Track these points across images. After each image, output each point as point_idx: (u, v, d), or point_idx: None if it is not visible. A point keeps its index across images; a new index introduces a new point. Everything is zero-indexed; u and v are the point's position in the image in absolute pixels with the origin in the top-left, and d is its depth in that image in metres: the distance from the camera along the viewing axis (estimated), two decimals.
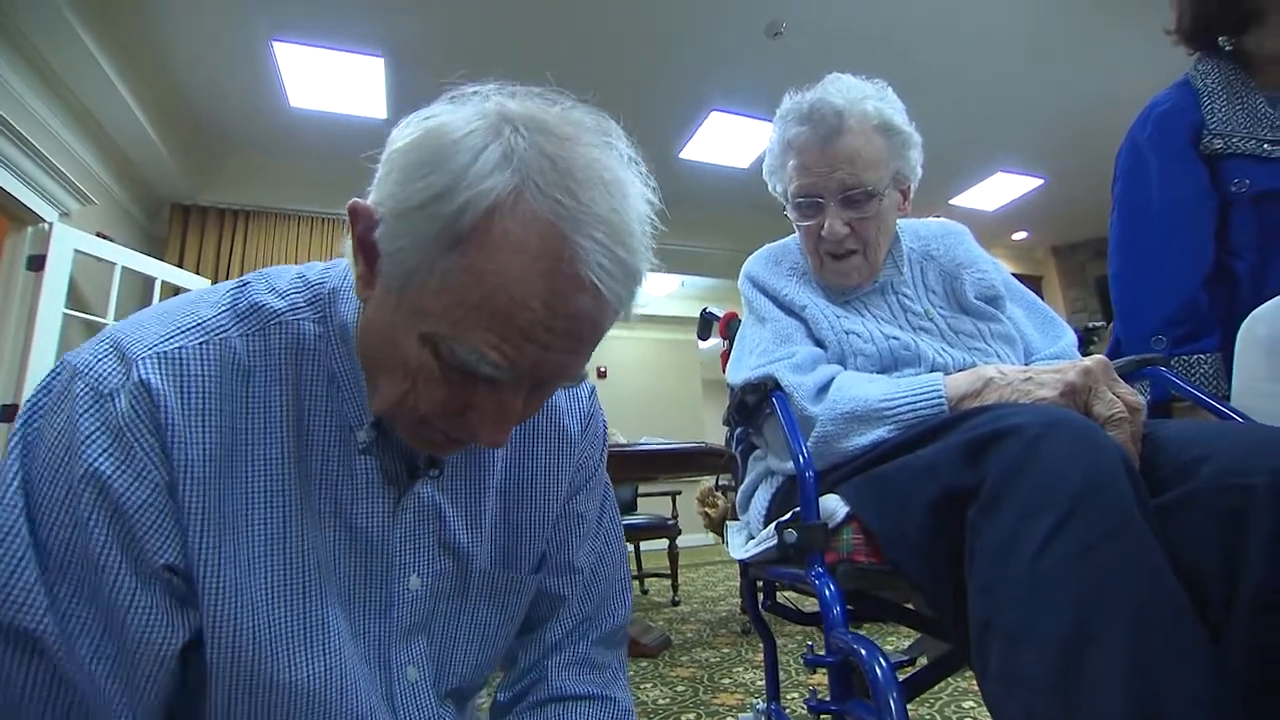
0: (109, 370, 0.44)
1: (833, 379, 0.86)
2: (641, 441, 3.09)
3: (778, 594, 1.08)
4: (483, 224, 0.40)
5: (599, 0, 3.25)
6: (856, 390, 0.82)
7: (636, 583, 4.00)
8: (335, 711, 0.50)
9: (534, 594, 0.65)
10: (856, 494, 0.75)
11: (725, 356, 1.21)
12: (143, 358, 0.45)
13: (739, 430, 1.09)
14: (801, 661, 0.79)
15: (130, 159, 3.79)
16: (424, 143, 0.43)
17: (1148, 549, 0.49)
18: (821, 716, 0.75)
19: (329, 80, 3.69)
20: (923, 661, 1.08)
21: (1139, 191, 1.12)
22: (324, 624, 0.50)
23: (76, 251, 3.20)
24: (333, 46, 3.42)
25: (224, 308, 0.50)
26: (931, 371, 0.87)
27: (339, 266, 0.55)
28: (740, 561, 1.01)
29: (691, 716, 1.66)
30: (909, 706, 0.63)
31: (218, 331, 0.48)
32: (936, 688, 1.55)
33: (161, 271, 3.78)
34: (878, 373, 0.90)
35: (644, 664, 2.23)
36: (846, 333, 0.95)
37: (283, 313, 0.51)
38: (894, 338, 0.93)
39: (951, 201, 5.61)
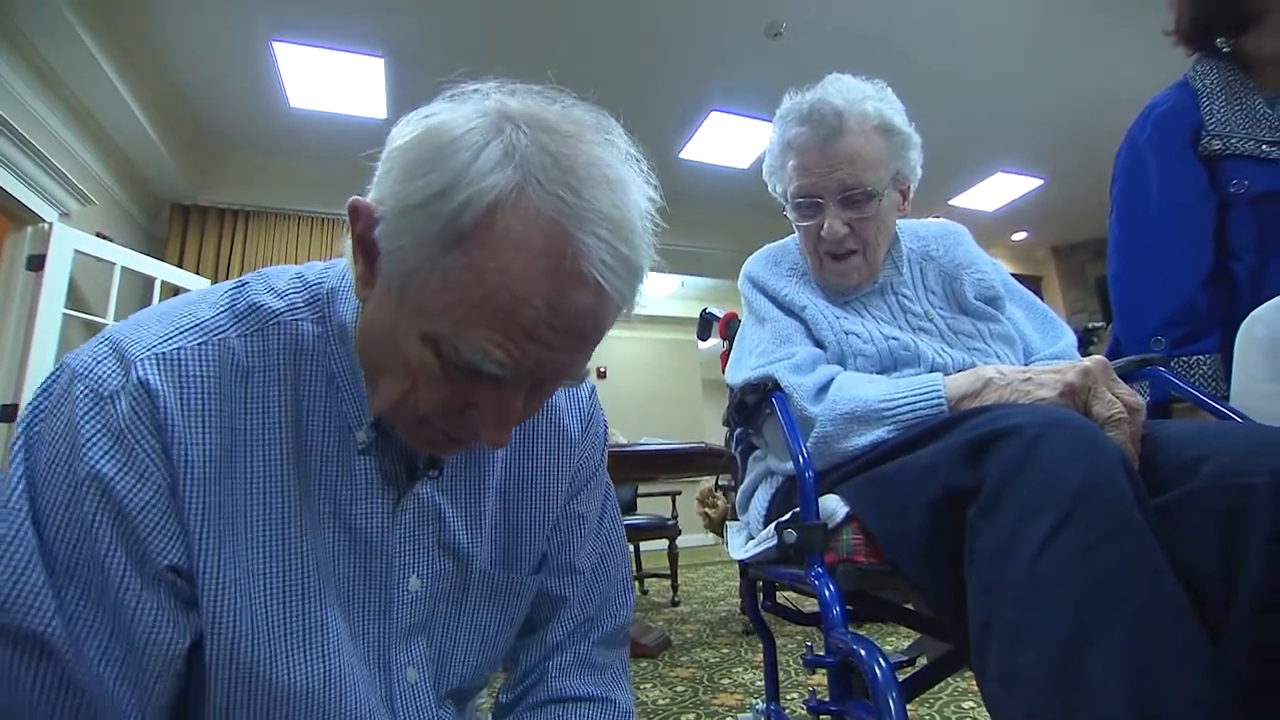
0: (108, 372, 0.44)
1: (832, 379, 0.87)
2: (641, 441, 3.09)
3: (777, 594, 1.08)
4: (485, 221, 0.40)
5: (599, 0, 3.25)
6: (856, 391, 0.82)
7: (636, 583, 4.00)
8: (334, 713, 0.50)
9: (535, 595, 0.65)
10: (856, 494, 0.75)
11: (725, 357, 1.21)
12: (141, 359, 0.45)
13: (739, 430, 1.09)
14: (801, 662, 0.79)
15: (130, 159, 3.79)
16: (424, 140, 0.43)
17: (1147, 549, 0.49)
18: (821, 717, 0.75)
19: (329, 80, 3.69)
20: (922, 662, 1.08)
21: (1138, 192, 1.12)
22: (323, 626, 0.50)
23: (76, 251, 3.20)
24: (333, 46, 3.42)
25: (222, 308, 0.50)
26: (931, 372, 0.87)
27: (337, 266, 0.55)
28: (740, 562, 1.01)
29: (691, 717, 1.66)
30: (908, 707, 0.63)
31: (216, 332, 0.48)
32: (936, 688, 1.55)
33: (161, 271, 3.78)
34: (877, 373, 0.90)
35: (644, 664, 2.23)
36: (846, 333, 0.95)
37: (281, 313, 0.51)
38: (893, 338, 0.93)
39: (951, 202, 5.61)
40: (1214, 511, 0.54)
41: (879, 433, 0.78)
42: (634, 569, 3.87)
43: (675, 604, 3.51)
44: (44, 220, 3.12)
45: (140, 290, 3.89)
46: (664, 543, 3.68)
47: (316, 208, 4.57)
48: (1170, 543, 0.52)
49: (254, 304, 0.50)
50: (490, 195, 0.40)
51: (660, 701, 1.80)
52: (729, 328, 1.28)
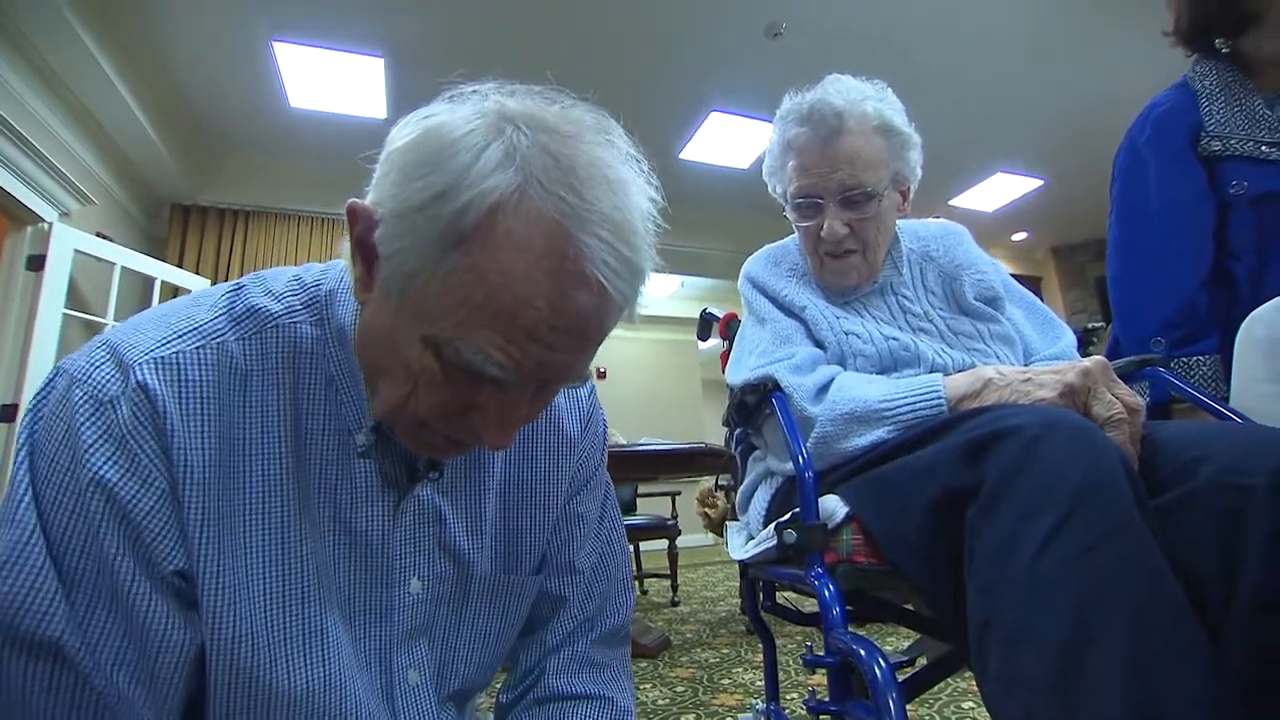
0: (107, 377, 0.44)
1: (832, 380, 0.87)
2: (641, 442, 3.09)
3: (777, 594, 1.08)
4: (486, 223, 0.40)
5: (599, 0, 3.26)
6: (856, 391, 0.82)
7: (636, 583, 4.00)
8: (334, 716, 0.50)
9: (535, 595, 0.65)
10: (856, 494, 0.75)
11: (725, 357, 1.21)
12: (140, 363, 0.44)
13: (738, 431, 1.09)
14: (801, 662, 0.79)
15: (130, 159, 3.79)
16: (424, 142, 0.42)
17: (1147, 550, 0.49)
18: (821, 717, 0.75)
19: (329, 80, 3.69)
20: (922, 662, 1.08)
21: (1137, 193, 1.12)
22: (322, 630, 0.50)
23: (76, 251, 3.20)
24: (333, 46, 3.42)
25: (220, 311, 0.49)
26: (931, 372, 0.87)
27: (335, 268, 0.55)
28: (740, 562, 1.01)
29: (691, 717, 1.66)
30: (908, 707, 0.63)
31: (214, 336, 0.48)
32: (936, 688, 1.55)
33: (161, 271, 3.78)
34: (877, 373, 0.90)
35: (643, 664, 2.23)
36: (846, 333, 0.95)
37: (279, 316, 0.51)
38: (893, 338, 0.93)
39: (951, 202, 5.61)
40: (1213, 512, 0.54)
41: (879, 433, 0.78)
42: (634, 569, 3.87)
43: (675, 604, 3.51)
44: (44, 220, 3.12)
45: (140, 290, 3.89)
46: (664, 543, 3.67)
47: (316, 208, 4.57)
48: (1170, 543, 0.52)
49: (252, 307, 0.50)
50: (492, 197, 0.40)
51: (660, 702, 1.80)
52: (729, 328, 1.28)
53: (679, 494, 4.09)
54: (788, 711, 1.48)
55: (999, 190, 5.51)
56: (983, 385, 0.76)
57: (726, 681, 1.96)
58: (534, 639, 0.67)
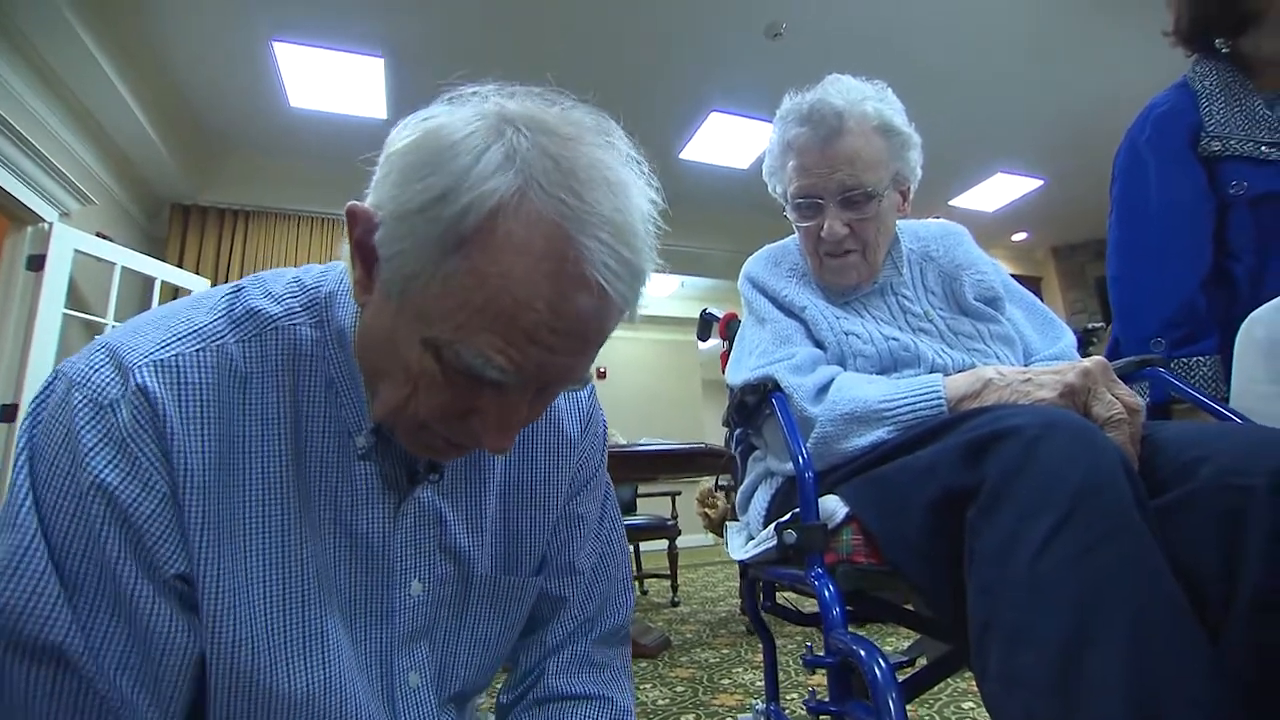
0: (106, 380, 0.44)
1: (832, 380, 0.87)
2: (641, 442, 3.09)
3: (777, 595, 1.08)
4: (486, 225, 0.40)
5: (599, 0, 3.26)
6: (856, 391, 0.82)
7: (636, 583, 4.00)
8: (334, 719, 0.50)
9: (536, 596, 0.65)
10: (856, 495, 0.75)
11: (725, 357, 1.21)
12: (139, 366, 0.44)
13: (738, 431, 1.09)
14: (801, 662, 0.79)
15: (130, 159, 3.79)
16: (423, 144, 0.42)
17: (1147, 550, 0.49)
18: (821, 717, 0.75)
19: (329, 80, 3.69)
20: (922, 662, 1.08)
21: (1137, 193, 1.12)
22: (323, 634, 0.50)
23: (76, 251, 3.20)
24: (333, 46, 3.42)
25: (220, 314, 0.49)
26: (931, 372, 0.87)
27: (335, 270, 0.55)
28: (740, 562, 1.01)
29: (691, 717, 1.66)
30: (908, 707, 0.63)
31: (214, 338, 0.47)
32: (936, 689, 1.55)
33: (161, 271, 3.78)
34: (877, 374, 0.90)
35: (643, 664, 2.23)
36: (846, 334, 0.95)
37: (279, 318, 0.50)
38: (893, 339, 0.93)
39: (951, 202, 5.62)
40: (1213, 512, 0.54)
41: (879, 433, 0.78)
42: (634, 569, 3.87)
43: (675, 604, 3.51)
44: (44, 220, 3.12)
45: (140, 290, 3.89)
46: (664, 543, 3.68)
47: (316, 208, 4.57)
48: (1170, 543, 0.52)
49: (251, 309, 0.50)
50: (492, 199, 0.40)
51: (660, 702, 1.80)
52: (729, 328, 1.28)
53: (679, 494, 4.09)
54: (788, 712, 1.48)
55: (999, 190, 5.51)
56: (983, 385, 0.76)
57: (726, 682, 1.96)
58: (534, 640, 0.67)
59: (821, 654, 0.73)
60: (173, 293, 3.86)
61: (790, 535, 0.77)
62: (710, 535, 3.94)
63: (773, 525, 0.81)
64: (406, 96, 3.78)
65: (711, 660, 2.24)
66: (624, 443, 2.95)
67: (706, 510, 3.51)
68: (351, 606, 0.53)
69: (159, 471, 0.43)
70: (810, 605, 0.88)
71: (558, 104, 0.46)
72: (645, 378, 7.36)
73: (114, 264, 3.43)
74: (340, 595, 0.52)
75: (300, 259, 4.47)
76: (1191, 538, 0.54)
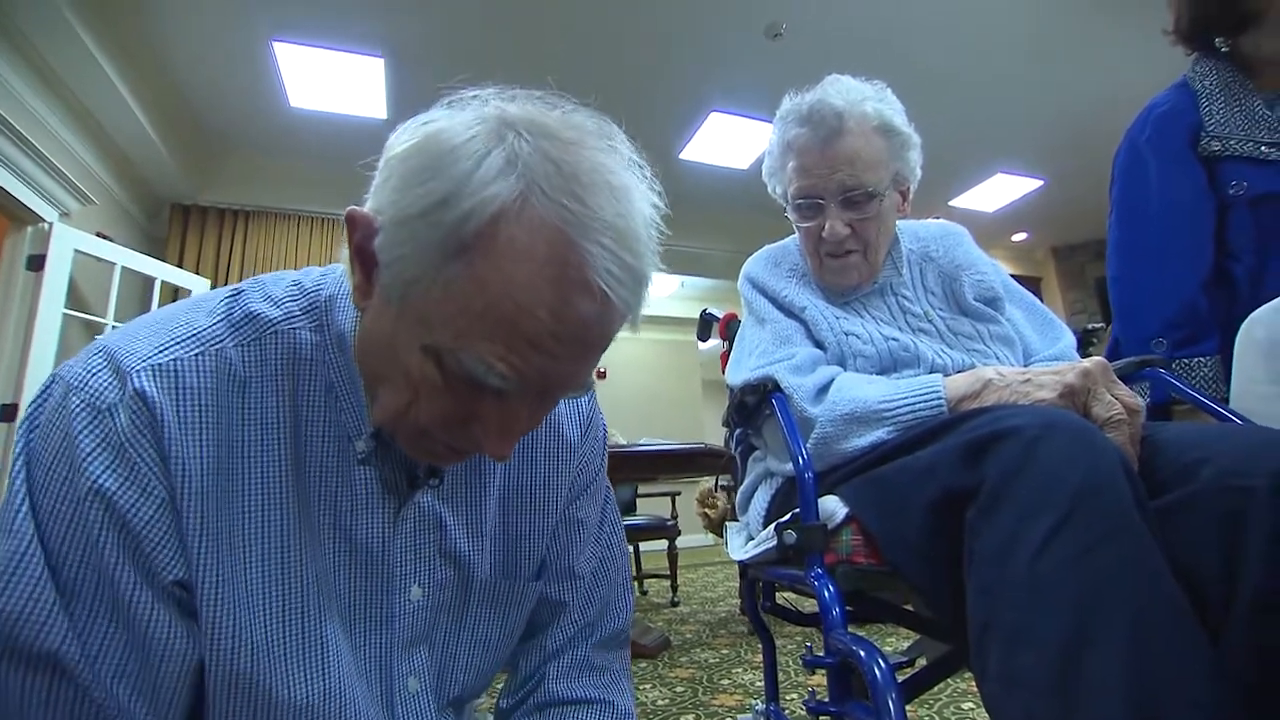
0: (104, 384, 0.43)
1: (832, 380, 0.87)
2: (641, 442, 3.09)
3: (777, 595, 1.08)
4: (488, 231, 0.39)
5: (599, 0, 3.26)
6: (856, 392, 0.82)
7: (636, 583, 4.01)
8: None
9: (536, 601, 0.65)
10: (856, 495, 0.75)
11: (725, 357, 1.21)
12: (137, 370, 0.44)
13: (738, 431, 1.09)
14: (801, 662, 0.78)
15: (130, 159, 3.79)
16: (424, 148, 0.42)
17: (1147, 551, 0.49)
18: (820, 718, 0.75)
19: (329, 80, 3.69)
20: (922, 663, 1.08)
21: (1138, 193, 1.12)
22: (322, 641, 0.50)
23: (76, 251, 3.20)
24: (333, 46, 3.42)
25: (219, 317, 0.49)
26: (930, 373, 0.87)
27: (335, 273, 0.54)
28: (740, 562, 1.01)
29: (690, 717, 1.66)
30: (908, 708, 0.63)
31: (213, 342, 0.47)
32: (935, 689, 1.55)
33: (161, 271, 3.78)
34: (877, 374, 0.90)
35: (643, 665, 2.23)
36: (846, 334, 0.95)
37: (278, 322, 0.50)
38: (893, 339, 0.93)
39: (951, 203, 5.62)
40: (1214, 513, 0.54)
41: (879, 434, 0.78)
42: (634, 569, 3.87)
43: (675, 604, 3.51)
44: (44, 220, 3.12)
45: (140, 290, 3.89)
46: (663, 543, 3.67)
47: (316, 208, 4.57)
48: (1170, 544, 0.52)
49: (251, 313, 0.49)
50: (494, 205, 0.39)
51: (660, 702, 1.80)
52: (729, 328, 1.28)
53: (679, 494, 4.09)
54: (787, 712, 1.48)
55: (999, 191, 5.51)
56: (982, 386, 0.76)
57: (726, 682, 1.96)
58: (534, 644, 0.66)
59: (821, 654, 0.73)
60: (173, 293, 3.86)
61: (790, 535, 0.77)
62: (710, 535, 3.94)
63: (773, 525, 0.81)
64: (406, 96, 3.78)
65: (711, 660, 2.24)
66: (624, 443, 2.95)
67: (706, 510, 3.51)
68: (351, 612, 0.52)
69: (157, 476, 0.43)
70: (810, 605, 0.88)
71: (559, 107, 0.46)
72: (645, 378, 7.36)
73: (114, 264, 3.43)
74: (340, 600, 0.52)
75: (300, 259, 4.48)
76: (1192, 539, 0.54)
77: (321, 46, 3.41)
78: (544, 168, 0.41)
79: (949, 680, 1.50)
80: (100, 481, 0.42)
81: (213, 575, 0.45)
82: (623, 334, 0.47)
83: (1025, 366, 0.97)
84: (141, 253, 3.75)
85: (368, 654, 0.53)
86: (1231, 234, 1.05)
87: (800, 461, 0.80)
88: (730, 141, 4.57)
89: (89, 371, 0.44)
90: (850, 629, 0.70)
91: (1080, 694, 0.46)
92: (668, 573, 3.67)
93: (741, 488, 1.07)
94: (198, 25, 3.24)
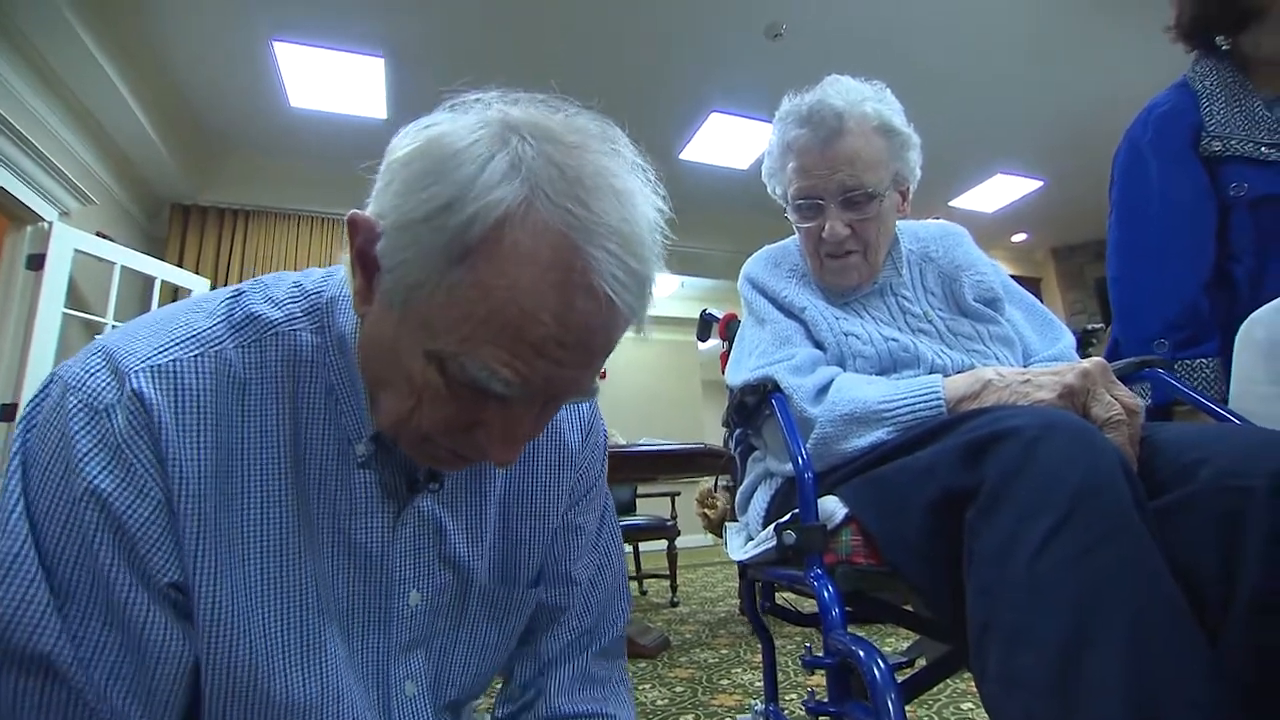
0: (102, 384, 0.43)
1: (832, 381, 0.87)
2: (641, 442, 3.09)
3: (776, 595, 1.08)
4: (492, 236, 0.39)
5: (599, 1, 3.26)
6: (855, 392, 0.82)
7: (635, 584, 4.01)
8: None
9: (534, 607, 0.65)
10: (855, 495, 0.75)
11: (725, 358, 1.21)
12: (136, 370, 0.44)
13: (738, 431, 1.09)
14: (800, 663, 0.78)
15: (130, 159, 3.79)
16: (427, 152, 0.41)
17: (1146, 551, 0.50)
18: (820, 718, 0.75)
19: (329, 80, 3.69)
20: (921, 663, 1.09)
21: (1139, 193, 1.12)
22: (320, 644, 0.49)
23: (76, 251, 3.20)
24: (333, 46, 3.43)
25: (219, 318, 0.48)
26: (930, 373, 0.87)
27: (337, 275, 0.54)
28: (739, 563, 1.01)
29: (690, 718, 1.66)
30: (907, 708, 0.63)
31: (213, 343, 0.47)
32: (935, 689, 1.55)
33: (161, 271, 3.78)
34: (877, 374, 0.90)
35: (642, 665, 2.23)
36: (845, 334, 0.95)
37: (279, 323, 0.50)
38: (893, 339, 0.93)
39: (951, 203, 5.62)
40: (1212, 514, 0.54)
41: (878, 434, 0.78)
42: (633, 570, 3.88)
43: (674, 605, 3.51)
44: (44, 219, 3.12)
45: (140, 290, 3.89)
46: (663, 543, 3.67)
47: (316, 208, 4.57)
48: (1169, 545, 0.52)
49: (251, 314, 0.49)
50: (499, 209, 0.39)
51: (659, 702, 1.80)
52: (728, 329, 1.28)
53: (679, 494, 4.09)
54: (787, 712, 1.48)
55: (999, 191, 5.51)
56: (982, 386, 0.76)
57: (725, 682, 1.96)
58: (529, 650, 0.66)
59: (820, 655, 0.73)
60: (172, 292, 3.86)
61: (790, 536, 0.77)
62: (709, 536, 3.94)
63: (772, 526, 0.81)
64: (406, 96, 3.78)
65: (710, 661, 2.24)
66: (624, 443, 2.95)
67: (706, 511, 3.51)
68: (348, 615, 0.52)
69: (153, 478, 0.43)
70: (809, 606, 0.88)
71: (562, 111, 0.45)
72: (645, 378, 7.35)
73: (114, 263, 3.43)
74: (338, 604, 0.51)
75: (300, 259, 4.48)
76: (1190, 539, 0.54)
77: (321, 46, 3.41)
78: (548, 172, 0.40)
79: (948, 681, 1.51)
80: (96, 482, 0.41)
81: (210, 577, 0.45)
82: (624, 336, 0.47)
83: (1025, 367, 0.97)
84: (141, 252, 3.76)
85: (364, 657, 0.53)
86: (1232, 235, 1.05)
87: (800, 462, 0.80)
88: (730, 142, 4.57)
89: (87, 371, 0.44)
90: (850, 629, 0.70)
91: (1079, 694, 0.46)
92: (667, 573, 3.67)
93: (741, 488, 1.07)
94: (198, 25, 3.24)
